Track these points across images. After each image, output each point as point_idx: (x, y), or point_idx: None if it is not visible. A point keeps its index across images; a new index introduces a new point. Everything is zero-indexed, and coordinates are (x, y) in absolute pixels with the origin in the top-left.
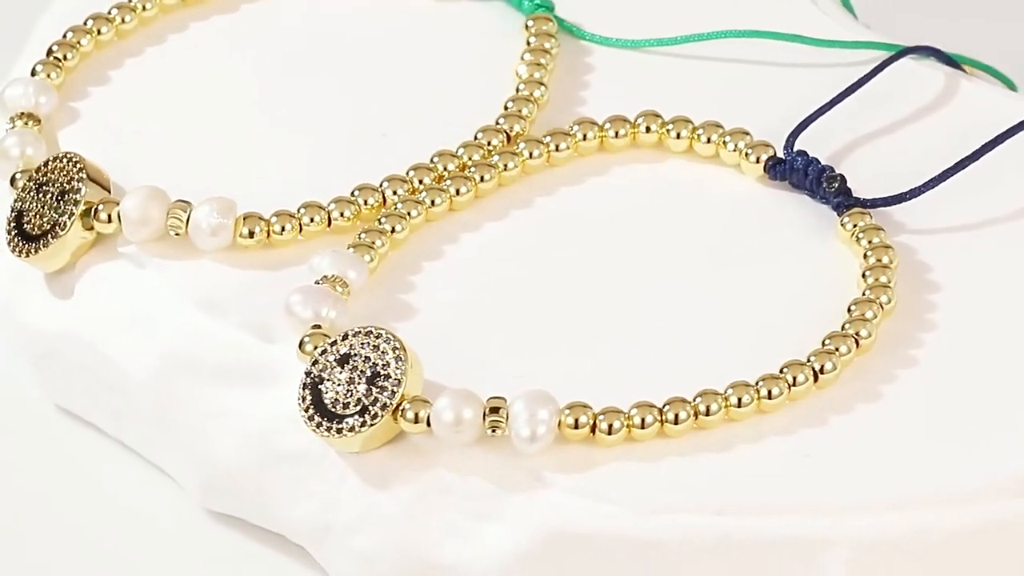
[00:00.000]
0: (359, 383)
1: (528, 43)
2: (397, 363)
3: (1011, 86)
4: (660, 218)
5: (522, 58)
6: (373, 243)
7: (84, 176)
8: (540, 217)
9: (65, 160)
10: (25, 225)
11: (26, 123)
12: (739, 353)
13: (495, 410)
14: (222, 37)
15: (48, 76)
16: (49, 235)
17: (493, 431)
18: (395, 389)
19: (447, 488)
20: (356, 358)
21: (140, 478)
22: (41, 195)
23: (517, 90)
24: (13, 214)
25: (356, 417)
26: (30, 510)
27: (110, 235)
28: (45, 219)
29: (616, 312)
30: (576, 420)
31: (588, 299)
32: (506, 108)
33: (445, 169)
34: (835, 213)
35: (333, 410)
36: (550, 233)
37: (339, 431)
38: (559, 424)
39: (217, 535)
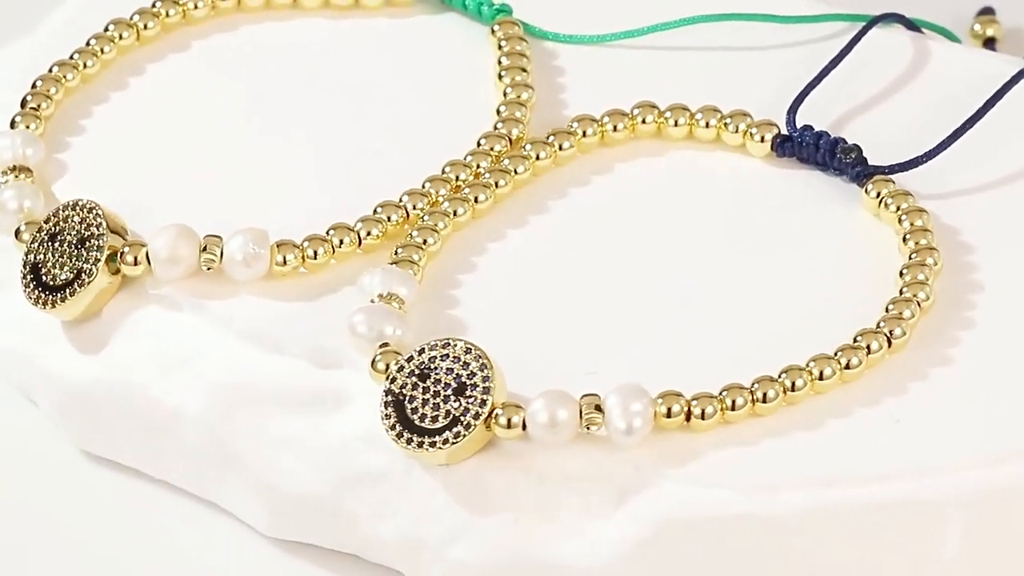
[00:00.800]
0: (446, 395)
1: (500, 47)
2: (482, 371)
3: (955, 40)
4: (679, 206)
5: (499, 63)
6: (412, 257)
7: (104, 221)
8: (561, 218)
9: (78, 208)
10: (43, 276)
11: (17, 176)
12: (795, 330)
13: (592, 407)
14: (181, 74)
15: (27, 127)
16: (75, 283)
17: (589, 428)
18: (485, 397)
19: (549, 489)
20: (437, 371)
21: (193, 515)
22: (57, 245)
23: (504, 94)
24: (27, 267)
25: (449, 430)
26: (86, 560)
27: (136, 278)
28: (66, 268)
29: (662, 302)
30: (669, 409)
31: (630, 292)
32: (499, 113)
33: (457, 178)
34: (854, 183)
35: (421, 425)
36: (575, 232)
37: (432, 445)
38: (654, 414)
39: (285, 564)
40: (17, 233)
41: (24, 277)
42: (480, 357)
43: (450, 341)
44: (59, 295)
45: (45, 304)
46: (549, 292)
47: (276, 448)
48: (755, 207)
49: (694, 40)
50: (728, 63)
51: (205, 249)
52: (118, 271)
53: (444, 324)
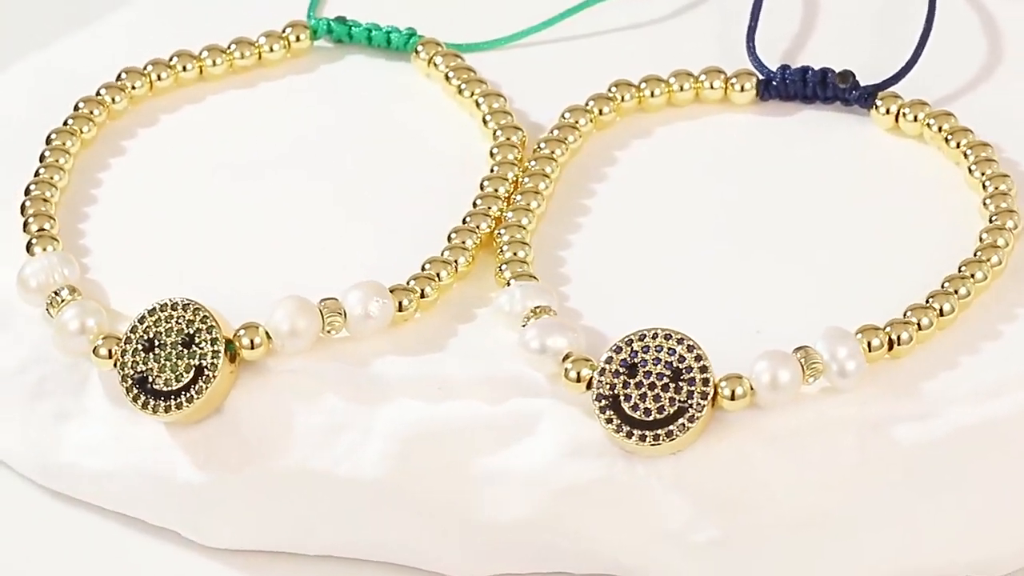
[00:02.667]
0: (664, 385)
1: (436, 66)
2: (691, 352)
3: None
4: (695, 170)
5: (448, 79)
6: (519, 270)
7: (209, 314)
8: (605, 206)
9: (170, 309)
10: (154, 385)
11: (64, 299)
12: (891, 249)
13: (810, 360)
14: (132, 172)
15: (45, 249)
16: (199, 381)
17: (811, 381)
18: (706, 376)
19: (784, 447)
20: (645, 364)
21: None
22: (157, 351)
23: (478, 105)
24: (131, 381)
25: (681, 416)
26: None
27: (253, 361)
28: (180, 370)
29: (751, 259)
30: (870, 343)
31: (715, 256)
32: (486, 123)
33: (496, 191)
34: (854, 106)
35: (646, 419)
36: (629, 216)
37: (668, 435)
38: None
39: None
40: (96, 350)
41: (129, 391)
42: (683, 340)
43: (645, 332)
44: (183, 398)
45: (167, 411)
46: (646, 276)
47: (479, 485)
48: (775, 153)
49: (599, 22)
50: (646, 34)
51: (340, 314)
52: (234, 358)
53: (587, 329)
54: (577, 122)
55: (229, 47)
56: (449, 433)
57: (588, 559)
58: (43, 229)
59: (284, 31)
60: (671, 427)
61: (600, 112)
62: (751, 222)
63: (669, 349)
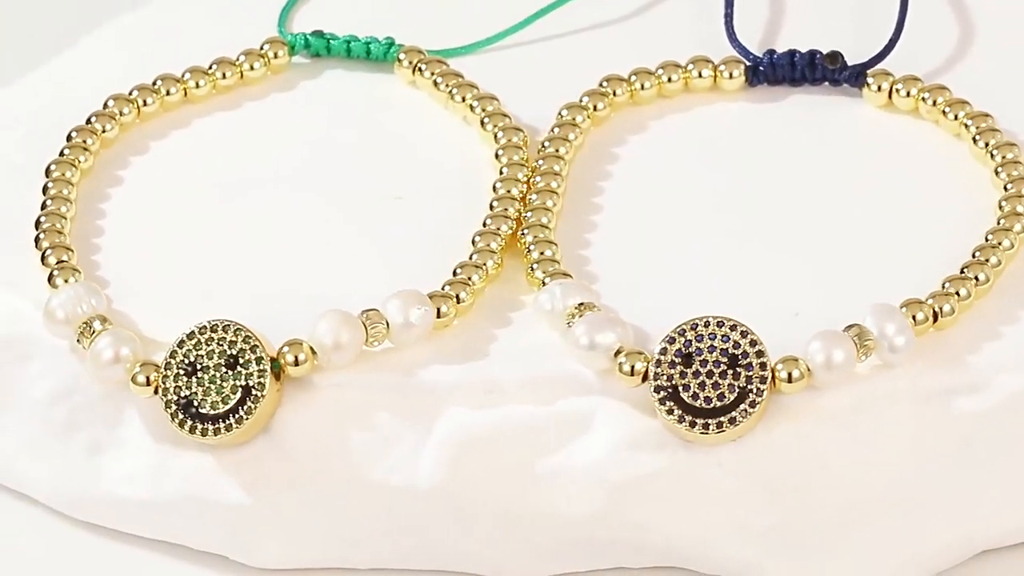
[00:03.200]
0: (721, 372)
1: (421, 73)
2: (744, 338)
3: None
4: (708, 161)
5: (437, 86)
6: (549, 270)
7: (251, 333)
8: (621, 198)
9: (210, 331)
10: (202, 409)
11: (95, 329)
12: (900, 222)
13: (864, 337)
14: (133, 199)
15: (67, 280)
16: (247, 401)
17: (864, 358)
18: (764, 360)
19: (845, 424)
20: (700, 352)
21: None
22: (201, 374)
23: (471, 108)
24: (176, 407)
25: (743, 401)
26: None
27: (298, 378)
28: (226, 392)
29: (781, 243)
30: (914, 316)
31: (742, 242)
32: (483, 126)
33: (508, 192)
34: (845, 85)
35: (707, 408)
36: (644, 207)
37: (732, 422)
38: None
39: None
40: (135, 379)
41: (174, 417)
42: (736, 326)
43: (697, 321)
44: (232, 419)
45: (216, 433)
46: (671, 268)
47: (538, 486)
48: (775, 137)
49: (573, 21)
50: (620, 30)
51: (383, 324)
52: (279, 376)
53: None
54: (575, 119)
55: (210, 68)
56: (503, 436)
57: (649, 552)
58: (62, 261)
59: (262, 48)
60: (733, 413)
61: (595, 108)
62: (764, 208)
63: (723, 336)
